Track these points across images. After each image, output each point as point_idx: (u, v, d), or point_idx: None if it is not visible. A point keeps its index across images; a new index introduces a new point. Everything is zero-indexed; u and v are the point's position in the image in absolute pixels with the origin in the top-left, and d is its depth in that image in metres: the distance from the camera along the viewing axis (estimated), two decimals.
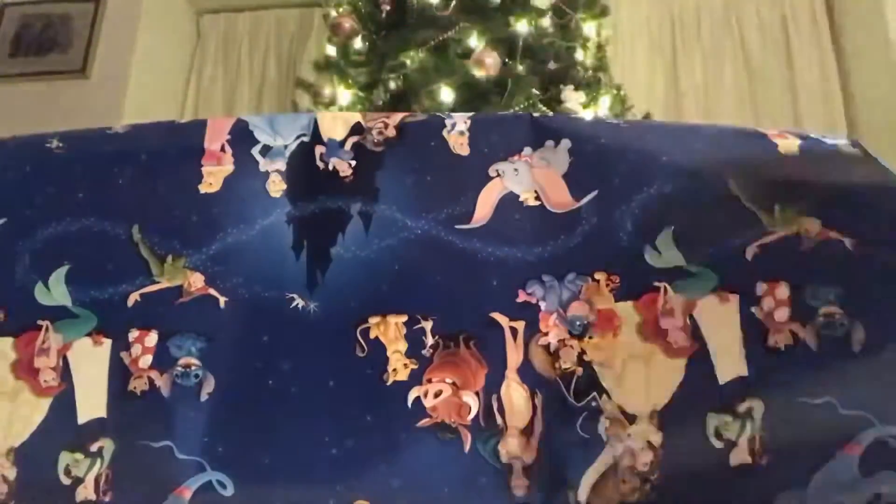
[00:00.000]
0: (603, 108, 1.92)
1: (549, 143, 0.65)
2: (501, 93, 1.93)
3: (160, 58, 3.25)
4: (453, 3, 2.07)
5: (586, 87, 1.98)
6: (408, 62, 2.07)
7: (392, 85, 2.06)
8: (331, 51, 2.32)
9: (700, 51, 2.67)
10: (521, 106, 1.87)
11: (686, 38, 2.83)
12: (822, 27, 2.54)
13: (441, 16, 2.08)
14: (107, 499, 0.57)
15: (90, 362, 0.59)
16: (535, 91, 1.90)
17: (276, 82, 3.33)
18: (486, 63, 1.92)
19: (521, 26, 2.07)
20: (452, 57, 2.03)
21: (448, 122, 0.66)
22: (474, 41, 2.04)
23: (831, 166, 0.62)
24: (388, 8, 2.20)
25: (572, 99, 1.92)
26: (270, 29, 3.44)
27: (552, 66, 2.02)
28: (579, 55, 2.10)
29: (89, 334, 0.60)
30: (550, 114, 1.67)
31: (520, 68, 1.98)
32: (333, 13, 2.31)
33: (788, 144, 0.63)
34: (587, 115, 1.75)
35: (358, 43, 2.25)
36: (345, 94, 2.20)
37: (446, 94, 1.97)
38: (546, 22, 2.12)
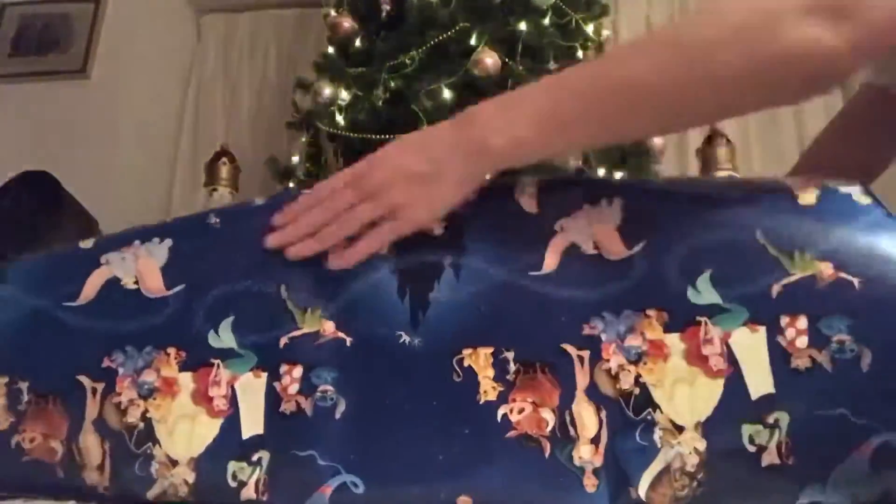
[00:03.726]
0: None
1: (604, 201, 0.78)
2: (501, 93, 1.99)
3: (160, 58, 3.32)
4: (453, 2, 2.13)
5: None
6: (408, 62, 2.12)
7: (392, 85, 2.13)
8: (330, 51, 2.37)
9: None
10: None
11: None
12: None
13: (441, 16, 2.14)
14: (265, 498, 0.72)
15: (252, 391, 0.74)
16: None
17: (276, 82, 3.38)
18: (486, 63, 1.97)
19: (521, 26, 2.11)
20: (452, 57, 2.08)
21: (519, 186, 0.79)
22: (474, 41, 2.07)
23: (842, 216, 0.72)
24: (387, 8, 2.27)
25: None
26: (270, 29, 3.49)
27: (552, 66, 2.07)
28: (579, 55, 2.14)
29: (251, 370, 0.75)
30: None
31: (520, 68, 2.03)
32: (333, 13, 2.37)
33: (808, 197, 0.74)
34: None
35: (358, 43, 2.31)
36: (344, 94, 2.24)
37: (446, 94, 2.01)
38: (546, 22, 2.17)
